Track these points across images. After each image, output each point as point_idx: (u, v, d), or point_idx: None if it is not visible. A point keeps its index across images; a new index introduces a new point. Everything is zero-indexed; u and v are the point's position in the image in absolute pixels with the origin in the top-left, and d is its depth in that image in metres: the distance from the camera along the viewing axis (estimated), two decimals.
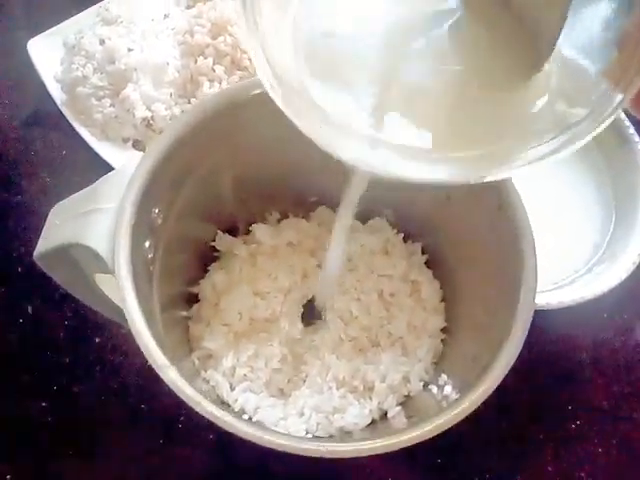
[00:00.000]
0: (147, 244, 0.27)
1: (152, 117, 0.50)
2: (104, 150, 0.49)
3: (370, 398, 0.32)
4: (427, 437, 0.22)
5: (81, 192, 0.28)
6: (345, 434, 0.31)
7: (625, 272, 0.42)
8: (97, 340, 0.43)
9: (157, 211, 0.28)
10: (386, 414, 0.31)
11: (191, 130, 0.29)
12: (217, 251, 0.36)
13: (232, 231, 0.37)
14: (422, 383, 0.31)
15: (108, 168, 0.48)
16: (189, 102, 0.51)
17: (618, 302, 0.44)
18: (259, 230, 0.35)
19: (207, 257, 0.36)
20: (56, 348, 0.43)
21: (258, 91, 0.29)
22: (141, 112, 0.49)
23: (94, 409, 0.41)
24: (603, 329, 0.45)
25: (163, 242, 0.29)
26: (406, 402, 0.31)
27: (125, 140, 0.51)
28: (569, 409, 0.43)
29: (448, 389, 0.27)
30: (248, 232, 0.37)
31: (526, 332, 0.25)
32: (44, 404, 0.41)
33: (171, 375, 0.22)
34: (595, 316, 0.45)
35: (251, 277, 0.34)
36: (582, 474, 0.41)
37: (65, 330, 0.44)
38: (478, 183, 0.29)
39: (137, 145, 0.51)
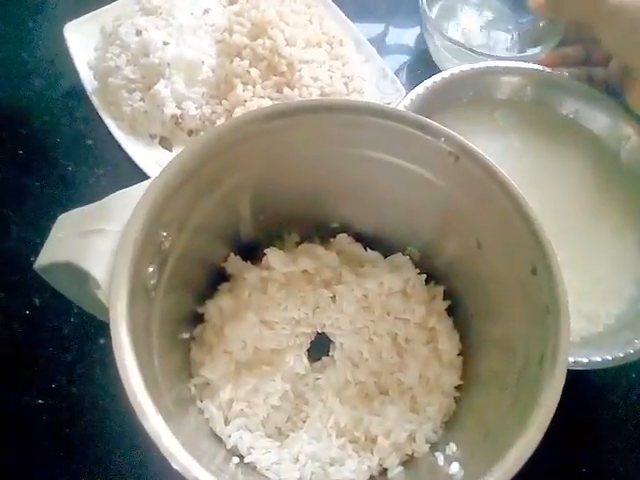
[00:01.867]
0: (150, 270, 0.25)
1: (181, 115, 0.49)
2: (129, 145, 0.48)
3: (371, 452, 0.30)
4: None
5: (89, 206, 0.26)
6: None
7: None
8: (102, 341, 0.42)
9: (165, 234, 0.26)
10: (386, 471, 0.29)
11: (212, 149, 0.27)
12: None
13: (249, 254, 0.35)
14: (428, 445, 0.29)
15: (131, 163, 0.47)
16: (220, 103, 0.50)
17: None
18: (272, 255, 0.34)
19: (219, 277, 0.34)
20: (60, 345, 0.42)
21: (287, 114, 0.28)
22: (171, 109, 0.48)
23: (90, 413, 0.40)
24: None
25: (171, 264, 0.28)
26: (409, 463, 0.29)
27: (152, 137, 0.50)
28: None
29: (455, 467, 0.24)
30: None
31: (552, 411, 0.23)
32: (40, 401, 0.40)
33: (153, 425, 0.21)
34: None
35: (260, 305, 0.33)
36: None
37: (70, 327, 0.43)
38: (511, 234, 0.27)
39: (164, 143, 0.50)
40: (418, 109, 0.45)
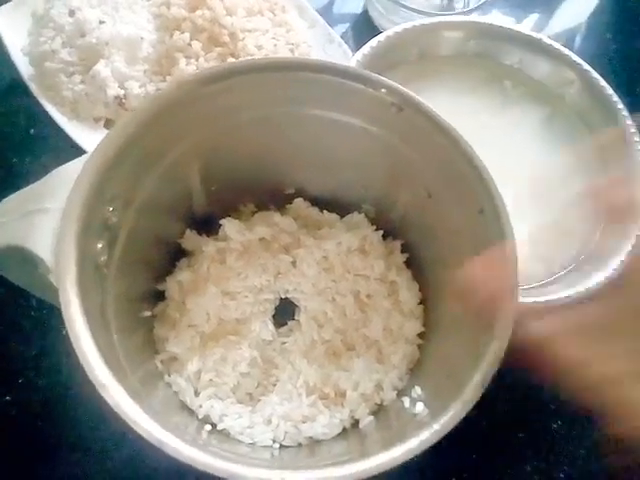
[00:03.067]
0: (99, 246, 0.25)
1: (125, 95, 0.48)
2: (74, 130, 0.47)
3: (342, 405, 0.30)
4: (397, 463, 0.21)
5: (30, 187, 0.26)
6: (314, 443, 0.30)
7: (613, 270, 0.40)
8: (64, 332, 0.41)
9: (111, 209, 0.26)
10: (357, 422, 0.30)
11: (151, 118, 0.26)
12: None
13: (206, 228, 0.35)
14: (395, 392, 0.30)
15: (78, 149, 0.46)
16: (164, 80, 0.49)
17: None
18: (229, 225, 0.33)
19: (177, 254, 0.34)
20: (22, 339, 0.41)
21: (223, 77, 0.27)
22: (113, 90, 0.47)
23: (61, 403, 0.40)
24: None
25: (122, 240, 0.27)
26: (379, 411, 0.30)
27: (97, 120, 0.48)
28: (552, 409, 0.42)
29: (420, 406, 0.25)
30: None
31: (505, 343, 0.23)
32: (8, 398, 0.39)
33: (112, 394, 0.20)
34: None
35: (220, 276, 0.32)
36: (561, 475, 0.41)
37: (31, 321, 0.42)
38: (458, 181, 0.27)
39: (109, 125, 0.49)
40: (370, 68, 0.45)
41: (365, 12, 0.59)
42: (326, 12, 0.61)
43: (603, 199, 0.35)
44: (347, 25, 0.61)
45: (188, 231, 0.34)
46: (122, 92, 0.47)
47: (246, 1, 0.50)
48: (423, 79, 0.49)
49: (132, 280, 0.29)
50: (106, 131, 0.48)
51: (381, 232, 0.34)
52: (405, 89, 0.27)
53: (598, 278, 0.38)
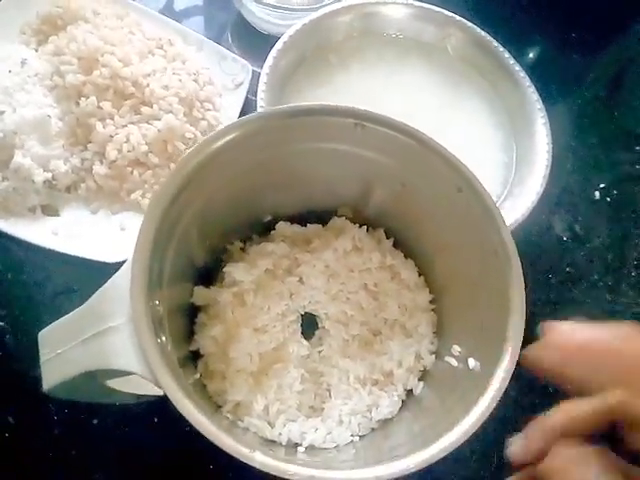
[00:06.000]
0: (160, 340, 0.27)
1: (53, 176, 0.47)
2: (14, 228, 0.45)
3: (393, 384, 0.35)
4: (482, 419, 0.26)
5: (72, 315, 0.26)
6: (384, 423, 0.34)
7: (538, 188, 0.47)
8: None
9: (157, 302, 0.27)
10: (411, 391, 0.35)
11: (164, 213, 0.28)
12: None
13: (206, 281, 0.37)
14: (433, 355, 0.35)
15: (28, 246, 0.45)
16: (85, 149, 0.48)
17: None
18: (235, 270, 0.36)
19: (192, 313, 0.36)
20: None
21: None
22: (40, 176, 0.46)
23: None
24: None
25: (165, 325, 0.29)
26: (426, 376, 0.35)
27: (32, 209, 0.47)
28: None
29: (471, 362, 0.30)
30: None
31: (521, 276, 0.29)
32: None
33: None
34: None
35: (246, 317, 0.35)
36: None
37: None
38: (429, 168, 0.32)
39: (47, 210, 0.47)
40: (279, 77, 0.48)
41: (239, 15, 0.61)
42: (204, 25, 0.62)
43: None
44: (227, 34, 0.62)
45: (196, 288, 0.36)
46: (50, 175, 0.46)
47: (134, 47, 0.50)
48: (320, 72, 0.53)
49: (178, 352, 0.31)
50: (47, 217, 0.47)
51: (364, 227, 0.38)
52: (364, 109, 0.31)
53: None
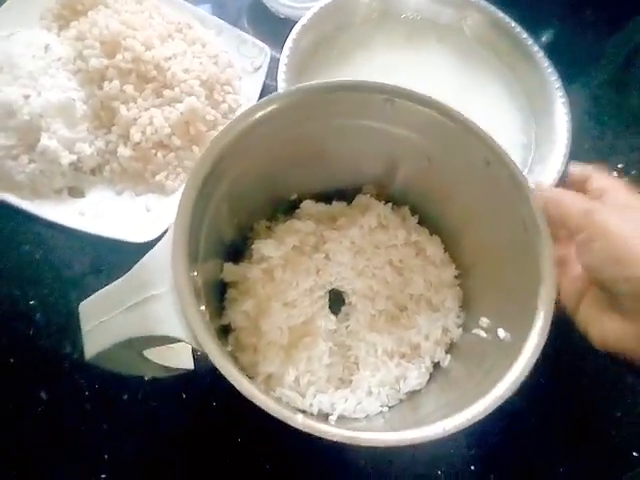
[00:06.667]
0: (202, 309, 0.27)
1: (79, 159, 0.47)
2: (40, 209, 0.46)
3: (420, 356, 0.35)
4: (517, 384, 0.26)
5: (113, 285, 0.27)
6: (412, 395, 0.35)
7: (559, 166, 0.47)
8: None
9: (196, 274, 0.28)
10: (439, 364, 0.36)
11: (201, 185, 0.29)
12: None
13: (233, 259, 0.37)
14: (460, 329, 0.36)
15: (56, 228, 0.45)
16: (109, 132, 0.49)
17: None
18: (264, 247, 0.36)
19: (218, 290, 0.37)
20: None
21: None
22: (66, 158, 0.46)
23: None
24: None
25: (202, 297, 0.30)
26: (453, 349, 0.36)
27: (58, 191, 0.48)
28: None
29: (501, 332, 0.31)
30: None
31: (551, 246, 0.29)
32: None
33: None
34: None
35: (276, 292, 0.36)
36: None
37: None
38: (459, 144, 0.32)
39: (73, 192, 0.48)
40: (299, 58, 0.49)
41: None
42: (220, 10, 0.62)
43: None
44: (243, 18, 0.63)
45: (226, 265, 0.37)
46: (75, 157, 0.47)
47: (155, 31, 0.51)
48: (349, 49, 0.54)
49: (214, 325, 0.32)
50: (74, 198, 0.48)
51: (390, 204, 0.39)
52: (394, 85, 0.31)
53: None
